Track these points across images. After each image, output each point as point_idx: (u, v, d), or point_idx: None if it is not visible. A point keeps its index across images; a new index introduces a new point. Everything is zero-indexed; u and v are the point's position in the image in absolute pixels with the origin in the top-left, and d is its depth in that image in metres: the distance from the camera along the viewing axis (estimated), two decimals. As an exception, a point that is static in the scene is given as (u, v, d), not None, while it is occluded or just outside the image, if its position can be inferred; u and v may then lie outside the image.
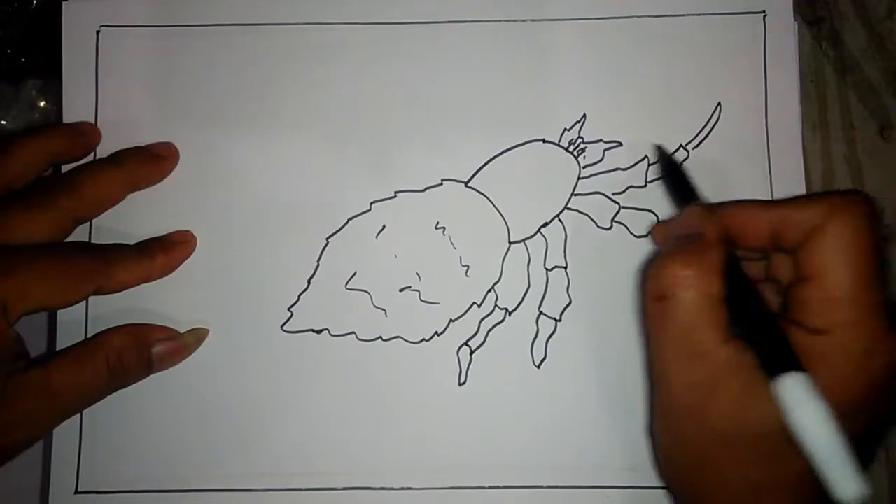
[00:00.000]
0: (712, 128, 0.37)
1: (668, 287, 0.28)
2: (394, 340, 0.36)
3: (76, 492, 0.35)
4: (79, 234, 0.36)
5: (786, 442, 0.27)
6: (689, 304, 0.28)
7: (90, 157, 0.37)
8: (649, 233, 0.36)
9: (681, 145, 0.37)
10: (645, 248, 0.36)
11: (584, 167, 0.37)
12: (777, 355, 0.27)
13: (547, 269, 0.36)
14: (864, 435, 0.27)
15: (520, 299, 0.36)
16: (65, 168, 0.36)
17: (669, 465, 0.31)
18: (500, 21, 0.38)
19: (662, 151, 0.36)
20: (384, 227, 0.37)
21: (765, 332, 0.28)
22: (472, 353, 0.36)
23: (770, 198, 0.36)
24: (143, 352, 0.34)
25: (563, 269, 0.36)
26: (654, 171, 0.37)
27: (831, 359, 0.27)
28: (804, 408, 0.26)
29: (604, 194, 0.37)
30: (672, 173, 0.35)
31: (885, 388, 0.27)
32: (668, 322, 0.29)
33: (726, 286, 0.29)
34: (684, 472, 0.30)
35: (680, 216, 0.32)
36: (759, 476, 0.28)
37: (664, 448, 0.31)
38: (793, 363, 0.27)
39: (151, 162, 0.36)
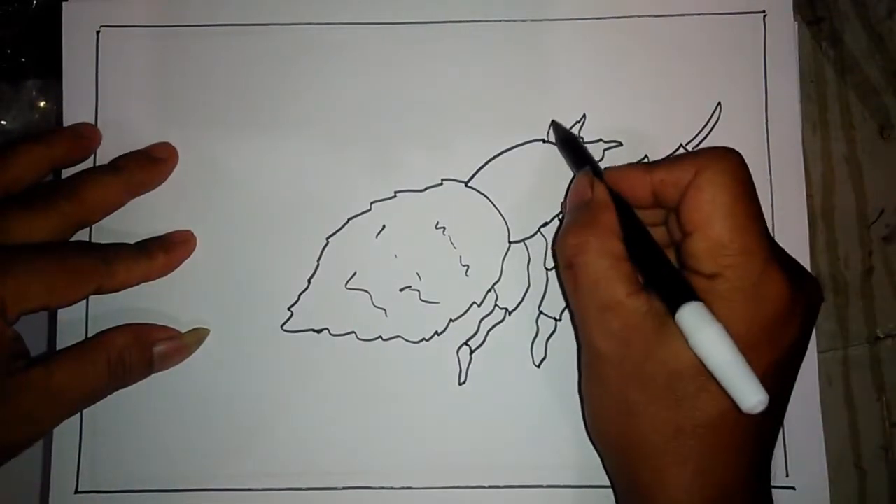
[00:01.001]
0: (712, 128, 0.37)
1: (572, 254, 0.31)
2: (394, 340, 0.36)
3: (76, 492, 0.35)
4: (79, 234, 0.36)
5: (700, 379, 0.28)
6: (592, 265, 0.31)
7: (90, 159, 0.37)
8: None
9: (680, 145, 0.37)
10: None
11: (584, 167, 0.37)
12: (674, 290, 0.29)
13: (547, 269, 0.36)
14: (770, 372, 0.29)
15: (520, 299, 0.36)
16: (65, 173, 0.36)
17: (597, 420, 0.32)
18: (500, 21, 0.38)
19: (557, 125, 0.37)
20: (384, 227, 0.37)
21: (662, 273, 0.30)
22: (472, 352, 0.36)
23: (770, 200, 0.36)
24: (144, 351, 0.34)
25: (563, 269, 0.36)
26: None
27: (725, 298, 0.29)
28: (702, 330, 0.28)
29: (604, 194, 0.37)
30: (567, 145, 0.36)
31: (779, 325, 0.29)
32: (579, 284, 0.31)
33: (628, 243, 0.31)
34: (610, 423, 0.31)
35: (572, 185, 0.34)
36: (679, 417, 0.29)
37: (591, 403, 0.33)
38: (689, 295, 0.29)
39: (151, 166, 0.36)
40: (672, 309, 0.29)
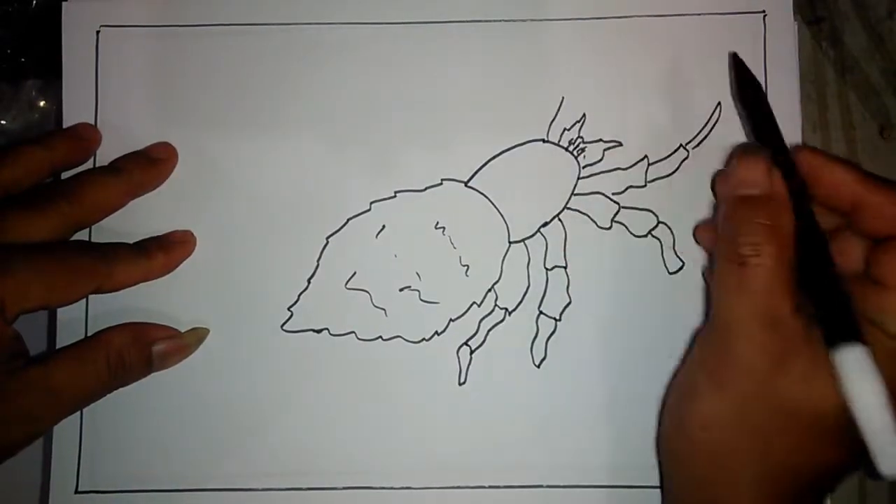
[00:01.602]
0: (712, 128, 0.37)
1: (749, 253, 0.28)
2: (394, 340, 0.36)
3: (76, 492, 0.35)
4: (79, 234, 0.36)
5: (839, 426, 0.27)
6: (769, 272, 0.28)
7: (90, 159, 0.37)
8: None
9: (681, 145, 0.37)
10: (645, 247, 0.36)
11: (584, 167, 0.37)
12: (841, 325, 0.27)
13: (547, 269, 0.36)
14: None
15: (520, 299, 0.36)
16: (65, 175, 0.36)
17: (705, 425, 0.30)
18: (500, 21, 0.38)
19: (739, 62, 0.34)
20: (384, 227, 0.37)
21: (833, 299, 0.28)
22: (472, 352, 0.36)
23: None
24: (143, 350, 0.34)
25: (563, 269, 0.36)
26: (654, 171, 0.37)
27: None
28: (863, 381, 0.26)
29: (604, 194, 0.37)
30: (752, 98, 0.33)
31: None
32: (746, 286, 0.28)
33: (798, 250, 0.28)
34: (722, 433, 0.29)
35: (740, 164, 0.30)
36: (800, 458, 0.28)
37: (707, 405, 0.30)
38: (854, 334, 0.27)
39: (151, 167, 0.36)
40: (830, 341, 0.27)
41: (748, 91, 0.34)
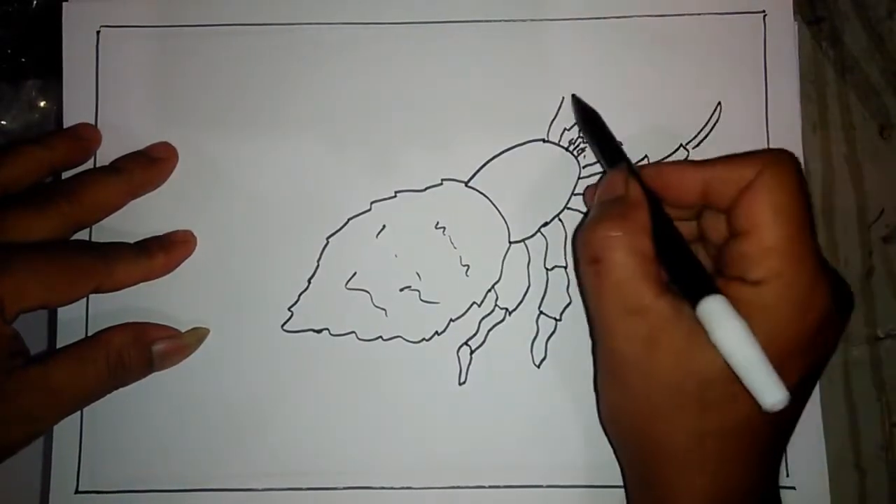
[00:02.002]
0: (712, 128, 0.37)
1: (599, 249, 0.30)
2: (394, 340, 0.36)
3: (76, 492, 0.35)
4: (79, 234, 0.36)
5: (729, 386, 0.28)
6: (620, 263, 0.29)
7: (90, 160, 0.37)
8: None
9: (681, 145, 0.37)
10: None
11: (584, 167, 0.37)
12: (696, 284, 0.29)
13: (547, 269, 0.36)
14: (800, 378, 0.29)
15: (520, 299, 0.36)
16: (65, 175, 0.36)
17: (616, 420, 0.32)
18: (500, 21, 0.38)
19: (579, 102, 0.36)
20: (384, 226, 0.37)
21: (685, 267, 0.30)
22: (472, 352, 0.36)
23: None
24: (143, 350, 0.34)
25: (564, 269, 0.36)
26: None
27: (770, 307, 0.28)
28: (724, 325, 0.27)
29: (604, 194, 0.37)
30: (592, 127, 0.35)
31: (819, 333, 0.29)
32: (603, 282, 0.30)
33: (657, 243, 0.30)
34: (631, 425, 0.31)
35: (604, 180, 0.33)
36: (704, 423, 0.29)
37: (610, 403, 0.32)
38: (710, 288, 0.28)
39: (151, 167, 0.36)
40: (693, 302, 0.28)
41: (591, 122, 0.35)
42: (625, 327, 0.29)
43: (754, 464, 0.29)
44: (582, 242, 0.31)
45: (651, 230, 0.30)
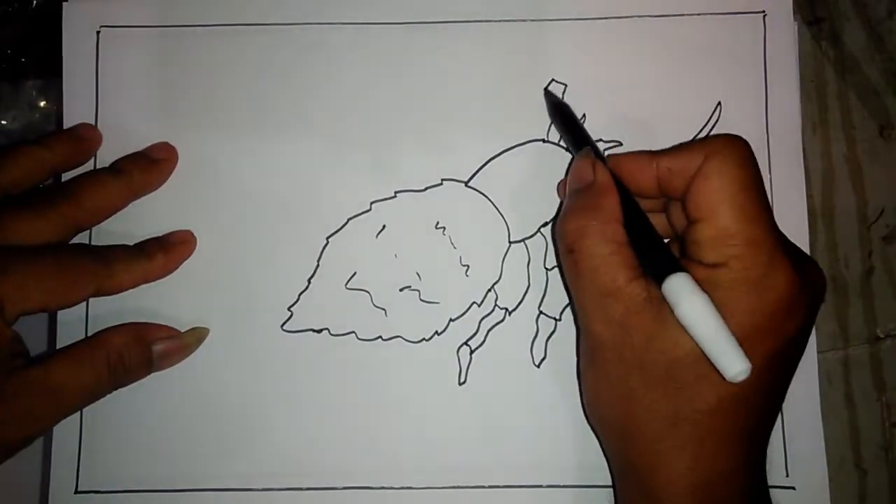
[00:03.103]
0: (712, 128, 0.37)
1: (573, 239, 0.31)
2: (394, 340, 0.36)
3: (76, 492, 0.35)
4: (79, 235, 0.36)
5: (697, 366, 0.28)
6: (594, 251, 0.30)
7: (90, 160, 0.37)
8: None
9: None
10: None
11: (584, 167, 0.37)
12: (661, 264, 0.29)
13: (547, 269, 0.36)
14: (767, 359, 0.29)
15: (520, 299, 0.36)
16: (65, 176, 0.36)
17: (597, 407, 0.32)
18: (500, 21, 0.38)
19: (550, 94, 0.37)
20: (384, 226, 0.37)
21: (651, 249, 0.30)
22: (472, 352, 0.36)
23: (770, 200, 0.36)
24: (143, 350, 0.34)
25: (563, 269, 0.36)
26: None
27: (727, 287, 0.29)
28: (687, 299, 0.28)
29: (604, 194, 0.37)
30: (562, 118, 0.36)
31: (781, 313, 0.29)
32: (579, 269, 0.31)
33: (627, 227, 0.31)
34: (609, 408, 0.31)
35: (573, 166, 0.33)
36: (677, 405, 0.29)
37: (591, 390, 0.32)
38: (674, 267, 0.29)
39: (151, 168, 0.36)
40: (658, 280, 0.29)
41: (560, 113, 0.36)
42: (599, 310, 0.30)
43: (733, 447, 0.30)
44: (558, 234, 0.32)
45: (622, 216, 0.31)
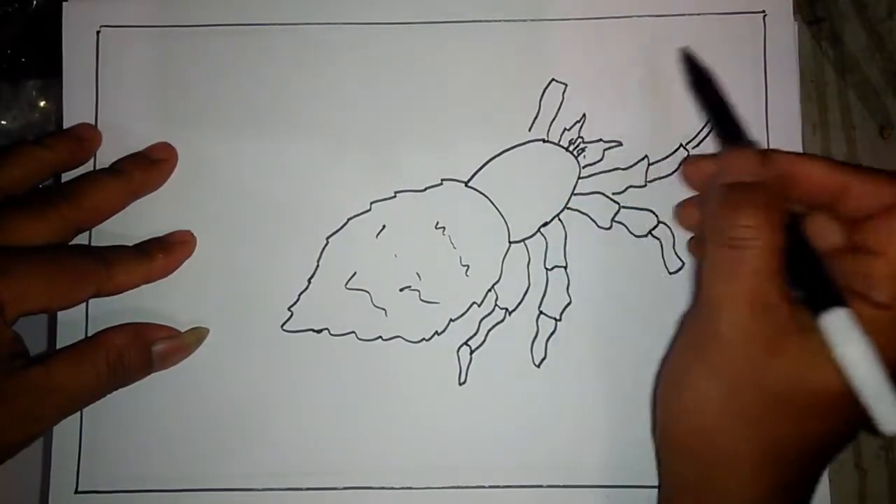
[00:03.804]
0: (712, 128, 0.37)
1: (744, 236, 0.29)
2: (394, 340, 0.36)
3: (76, 492, 0.35)
4: (79, 236, 0.36)
5: (839, 407, 0.27)
6: (762, 256, 0.28)
7: (90, 160, 0.37)
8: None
9: (681, 145, 0.37)
10: (645, 247, 0.36)
11: (584, 167, 0.37)
12: (824, 293, 0.28)
13: (547, 269, 0.36)
14: None
15: (520, 299, 0.36)
16: (65, 177, 0.36)
17: (691, 414, 0.30)
18: (500, 21, 0.38)
19: (689, 57, 0.35)
20: (384, 227, 0.37)
21: (813, 273, 0.29)
22: (472, 352, 0.36)
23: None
24: (143, 350, 0.34)
25: (563, 269, 0.36)
26: (654, 171, 0.37)
27: (892, 332, 0.28)
28: (851, 341, 0.27)
29: (604, 194, 0.37)
30: (705, 92, 0.34)
31: None
32: (737, 271, 0.29)
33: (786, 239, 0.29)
34: (710, 423, 0.30)
35: (725, 158, 0.32)
36: (798, 436, 0.28)
37: (697, 394, 0.30)
38: (837, 300, 0.28)
39: (151, 168, 0.36)
40: (816, 311, 0.28)
41: (704, 84, 0.34)
42: (749, 323, 0.28)
43: (815, 483, 0.30)
44: (720, 224, 0.30)
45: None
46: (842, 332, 0.27)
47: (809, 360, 0.28)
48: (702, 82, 0.35)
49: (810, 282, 0.29)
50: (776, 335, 0.28)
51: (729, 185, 0.30)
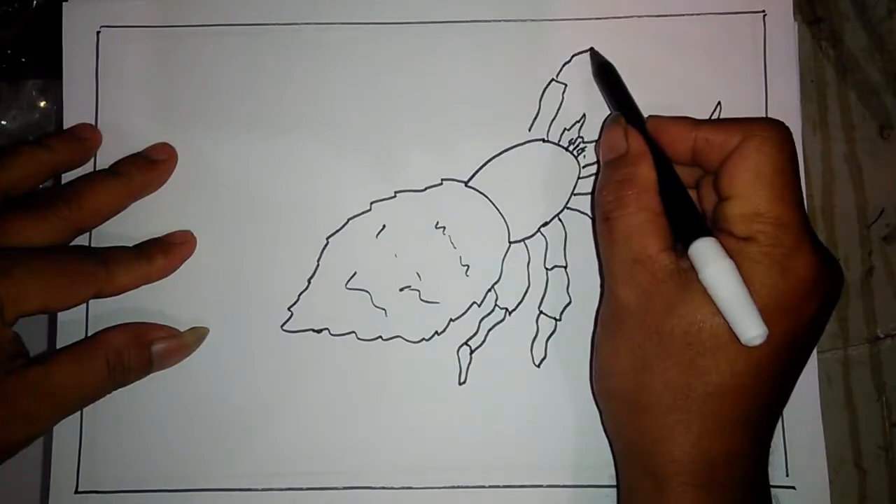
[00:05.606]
0: (712, 128, 0.37)
1: (610, 209, 0.32)
2: (394, 340, 0.36)
3: (76, 492, 0.35)
4: (79, 237, 0.36)
5: (715, 335, 0.29)
6: (629, 219, 0.31)
7: (90, 161, 0.37)
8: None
9: (681, 145, 0.37)
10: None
11: (584, 167, 0.37)
12: (690, 226, 0.30)
13: (547, 269, 0.36)
14: (781, 339, 0.29)
15: (520, 299, 0.36)
16: (65, 178, 0.36)
17: (608, 373, 0.32)
18: (500, 21, 0.38)
19: (595, 53, 0.37)
20: (384, 226, 0.37)
21: (681, 210, 0.31)
22: (472, 352, 0.36)
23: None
24: (142, 350, 0.34)
25: (563, 269, 0.36)
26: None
27: (755, 261, 0.29)
28: (712, 264, 0.29)
29: (604, 194, 0.37)
30: (606, 80, 0.36)
31: (800, 297, 0.29)
32: (614, 237, 0.32)
33: (663, 193, 0.31)
34: (622, 377, 0.31)
35: (604, 134, 0.34)
36: (691, 377, 0.29)
37: (605, 355, 0.33)
38: (703, 230, 0.30)
39: (151, 168, 0.36)
40: (686, 244, 0.30)
41: (604, 73, 0.36)
42: (628, 276, 0.31)
43: (739, 427, 0.30)
44: (596, 202, 0.33)
45: (657, 183, 0.31)
46: (706, 255, 0.29)
47: (685, 297, 0.29)
48: (605, 74, 0.36)
49: (680, 220, 0.31)
50: (654, 283, 0.30)
51: (604, 163, 0.33)
